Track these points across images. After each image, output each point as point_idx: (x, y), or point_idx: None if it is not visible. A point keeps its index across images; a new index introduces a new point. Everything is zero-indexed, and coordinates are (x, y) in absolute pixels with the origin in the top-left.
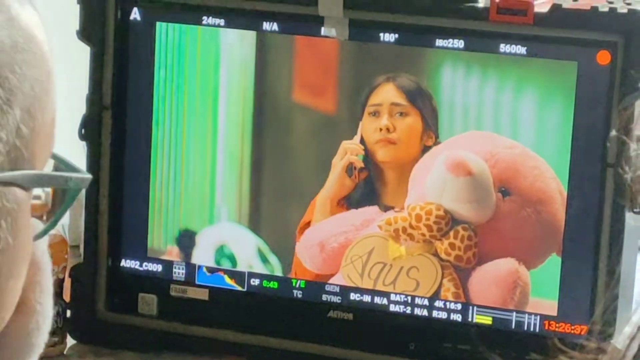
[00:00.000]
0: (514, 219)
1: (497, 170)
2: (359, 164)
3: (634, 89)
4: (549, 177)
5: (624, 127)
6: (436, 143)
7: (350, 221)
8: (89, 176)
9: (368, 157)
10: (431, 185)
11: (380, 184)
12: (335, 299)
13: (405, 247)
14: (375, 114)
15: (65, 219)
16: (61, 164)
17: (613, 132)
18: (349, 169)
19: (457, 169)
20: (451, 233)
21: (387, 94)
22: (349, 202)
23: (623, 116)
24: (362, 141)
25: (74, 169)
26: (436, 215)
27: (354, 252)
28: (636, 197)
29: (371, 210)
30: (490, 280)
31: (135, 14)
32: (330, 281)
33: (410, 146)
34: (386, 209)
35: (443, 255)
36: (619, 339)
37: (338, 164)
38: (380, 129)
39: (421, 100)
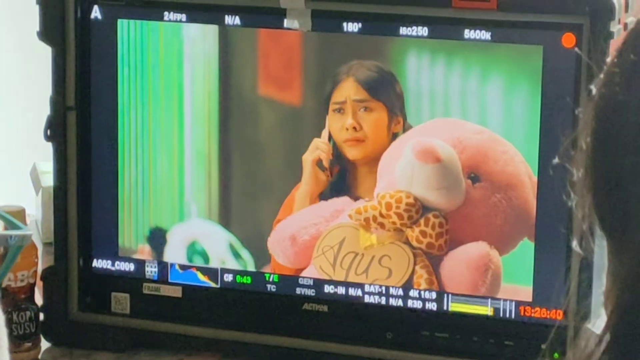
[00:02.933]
0: (485, 205)
1: (466, 156)
2: (327, 163)
3: (600, 70)
4: (518, 161)
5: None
6: (405, 128)
7: (320, 213)
8: (30, 233)
9: (338, 154)
10: (400, 173)
11: (351, 176)
12: (310, 292)
13: (376, 235)
14: (340, 110)
15: (38, 215)
16: (4, 221)
17: (556, 159)
18: (320, 163)
19: (425, 156)
20: (422, 220)
21: (348, 90)
22: (322, 195)
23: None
24: (330, 138)
25: (15, 226)
26: (406, 203)
27: (325, 242)
28: (579, 226)
29: (341, 201)
30: (463, 264)
31: (95, 13)
32: (303, 274)
33: (379, 139)
34: (356, 199)
35: (414, 243)
36: (596, 323)
37: (308, 159)
38: (347, 129)
39: (384, 90)
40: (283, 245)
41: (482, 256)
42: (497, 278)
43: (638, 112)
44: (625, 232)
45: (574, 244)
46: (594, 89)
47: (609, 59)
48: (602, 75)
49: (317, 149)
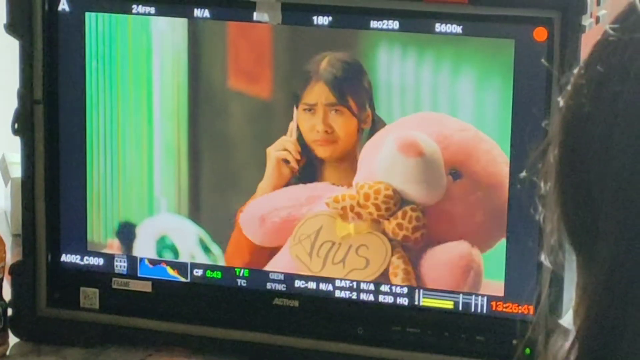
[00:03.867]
0: (464, 202)
1: (449, 152)
2: (295, 163)
3: (572, 65)
4: (501, 161)
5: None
6: (374, 121)
7: (296, 196)
8: None
9: (306, 151)
10: (381, 164)
11: (318, 170)
12: (280, 287)
13: (354, 225)
14: (311, 111)
15: (7, 207)
16: None
17: (523, 173)
18: (285, 160)
19: (407, 149)
20: (399, 213)
21: (320, 94)
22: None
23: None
24: (299, 137)
25: None
26: (385, 194)
27: (302, 231)
28: (548, 239)
29: (319, 187)
30: (443, 263)
31: (63, 5)
32: (278, 265)
33: (349, 138)
34: (334, 185)
35: (391, 235)
36: (566, 318)
37: (273, 154)
38: (318, 131)
39: (353, 89)
40: (252, 222)
41: (463, 256)
42: (478, 276)
43: (605, 124)
44: (594, 245)
45: (543, 257)
46: (561, 102)
47: (575, 71)
48: (569, 88)
49: (285, 149)
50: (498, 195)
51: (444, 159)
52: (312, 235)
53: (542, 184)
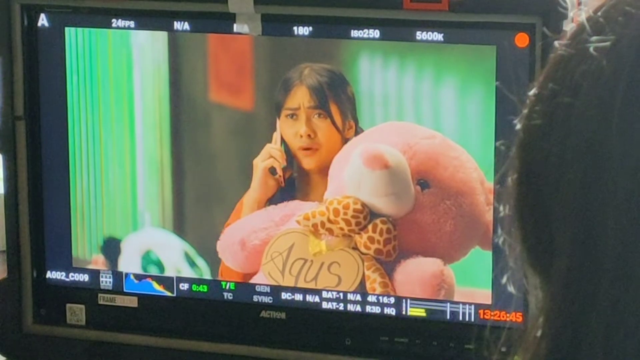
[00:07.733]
0: (434, 211)
1: (416, 162)
2: (281, 170)
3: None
4: (470, 167)
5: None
6: (357, 132)
7: (270, 217)
8: None
9: (292, 160)
10: (349, 179)
11: (303, 182)
12: (267, 299)
13: (325, 242)
14: (293, 116)
15: None
16: None
17: (492, 182)
18: (272, 169)
19: (373, 162)
20: (369, 227)
21: (302, 98)
22: (271, 200)
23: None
24: (283, 143)
25: None
26: (354, 209)
27: (274, 248)
28: (508, 261)
29: (291, 205)
30: (415, 278)
31: (42, 20)
32: (253, 280)
33: (332, 146)
34: (306, 203)
35: (363, 249)
36: None
37: (260, 165)
38: (301, 136)
39: (336, 96)
40: (232, 249)
41: (435, 275)
42: (450, 293)
43: (559, 139)
44: (551, 265)
45: (504, 280)
46: (518, 125)
47: (530, 92)
48: (524, 110)
49: (271, 157)
50: (467, 202)
51: (411, 169)
52: (284, 252)
53: (501, 208)
